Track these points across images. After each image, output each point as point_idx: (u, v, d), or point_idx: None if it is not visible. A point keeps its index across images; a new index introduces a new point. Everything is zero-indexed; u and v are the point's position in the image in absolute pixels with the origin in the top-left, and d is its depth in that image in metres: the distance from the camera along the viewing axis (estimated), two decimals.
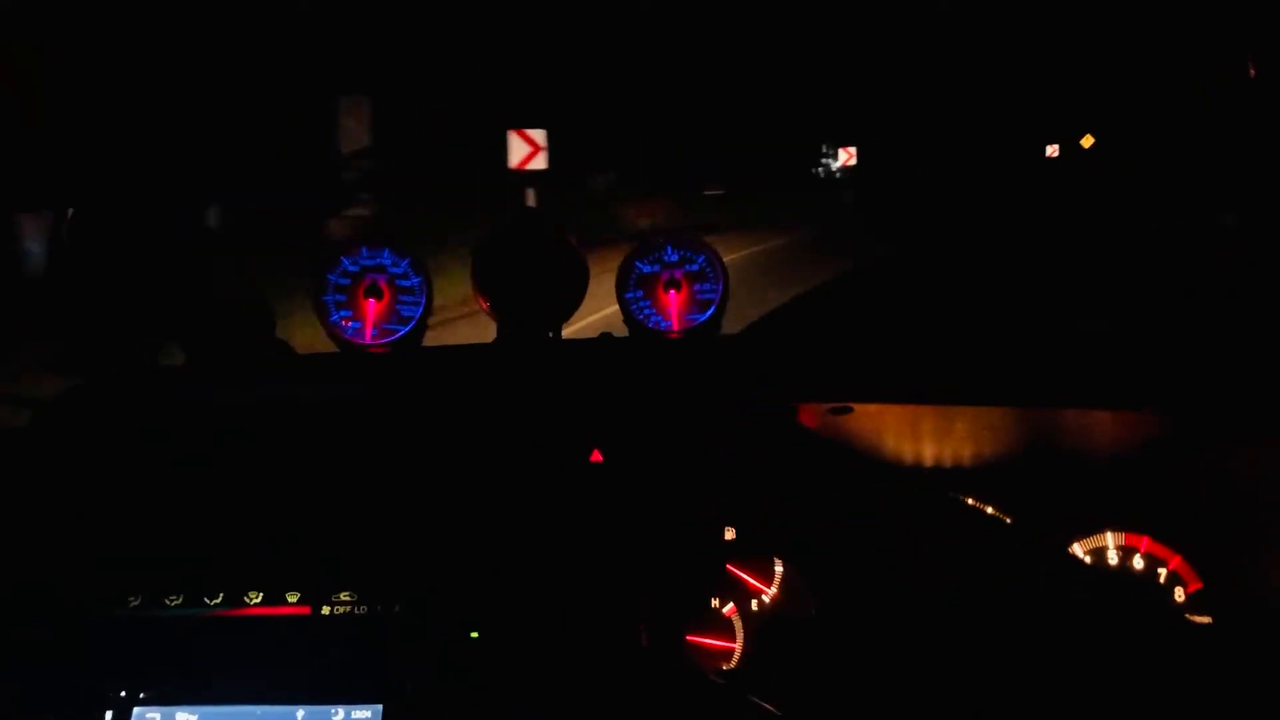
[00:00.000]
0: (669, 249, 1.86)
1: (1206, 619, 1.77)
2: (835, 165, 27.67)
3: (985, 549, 1.51)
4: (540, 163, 12.56)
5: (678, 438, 1.76)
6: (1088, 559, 1.82)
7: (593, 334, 1.93)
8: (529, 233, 1.85)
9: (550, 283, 1.83)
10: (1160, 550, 1.81)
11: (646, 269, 1.86)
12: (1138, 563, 1.82)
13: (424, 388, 1.78)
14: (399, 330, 1.82)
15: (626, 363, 1.83)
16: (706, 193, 20.34)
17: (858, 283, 1.78)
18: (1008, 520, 1.83)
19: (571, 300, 1.84)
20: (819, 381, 1.72)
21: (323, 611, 1.48)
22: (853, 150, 27.05)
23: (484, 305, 1.83)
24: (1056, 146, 25.55)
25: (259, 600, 1.48)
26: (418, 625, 1.47)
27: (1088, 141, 24.91)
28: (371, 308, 1.81)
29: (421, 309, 1.82)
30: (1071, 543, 1.83)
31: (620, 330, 1.92)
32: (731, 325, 1.93)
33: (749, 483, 1.89)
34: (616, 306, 1.89)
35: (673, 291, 1.83)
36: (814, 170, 28.13)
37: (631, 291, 1.85)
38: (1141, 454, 1.82)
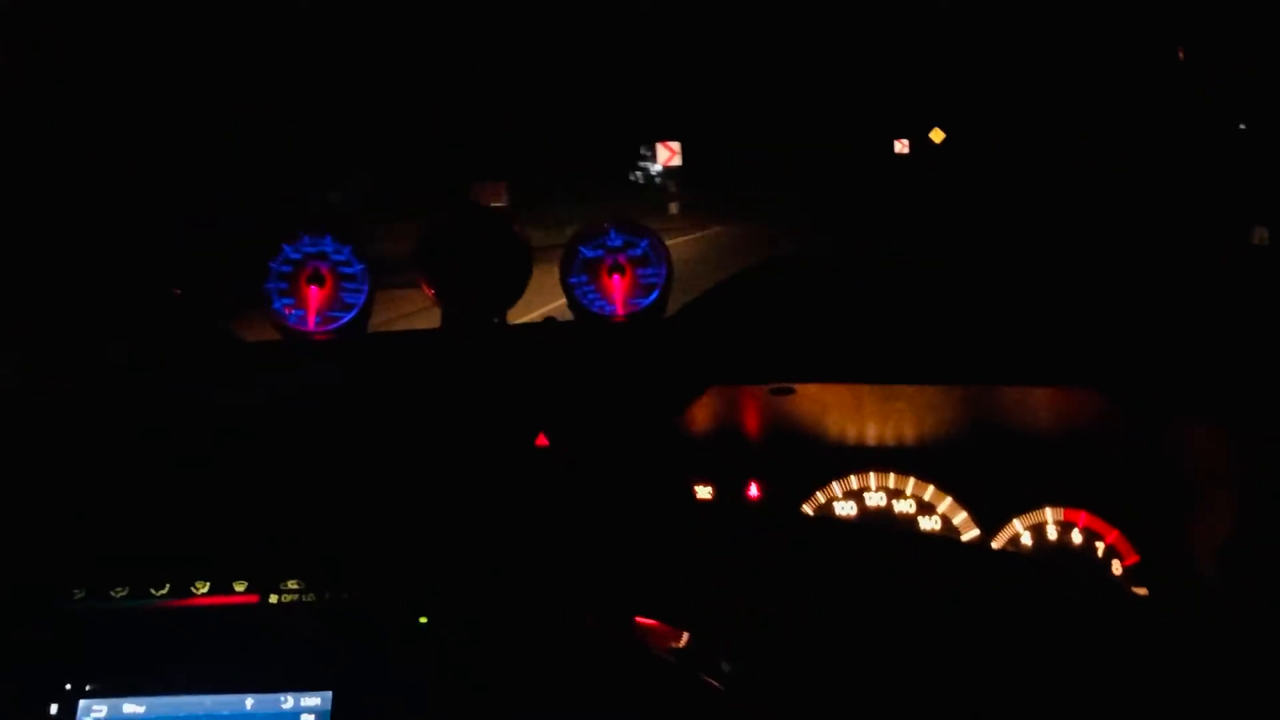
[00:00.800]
0: (612, 233, 1.87)
1: (1143, 591, 1.81)
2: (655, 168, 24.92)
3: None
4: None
5: (622, 420, 1.77)
6: (1028, 535, 1.86)
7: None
8: (471, 219, 1.84)
9: (493, 268, 1.83)
10: (1098, 525, 1.85)
11: (590, 254, 1.86)
12: (1076, 537, 1.85)
13: (368, 374, 1.77)
14: (342, 317, 1.81)
15: (570, 347, 1.83)
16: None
17: (794, 265, 1.79)
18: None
19: (515, 285, 1.84)
20: (759, 362, 1.73)
21: (271, 600, 1.47)
22: (675, 146, 24.02)
23: (429, 292, 1.83)
24: (906, 142, 25.57)
25: (206, 590, 1.46)
26: (367, 612, 1.46)
27: (938, 136, 25.23)
28: (314, 295, 1.80)
29: (365, 296, 1.81)
30: (1011, 518, 1.86)
31: (565, 316, 1.92)
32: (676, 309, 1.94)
33: (694, 469, 1.92)
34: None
35: (616, 276, 1.84)
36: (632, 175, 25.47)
37: (575, 276, 1.85)
38: (1079, 431, 1.85)
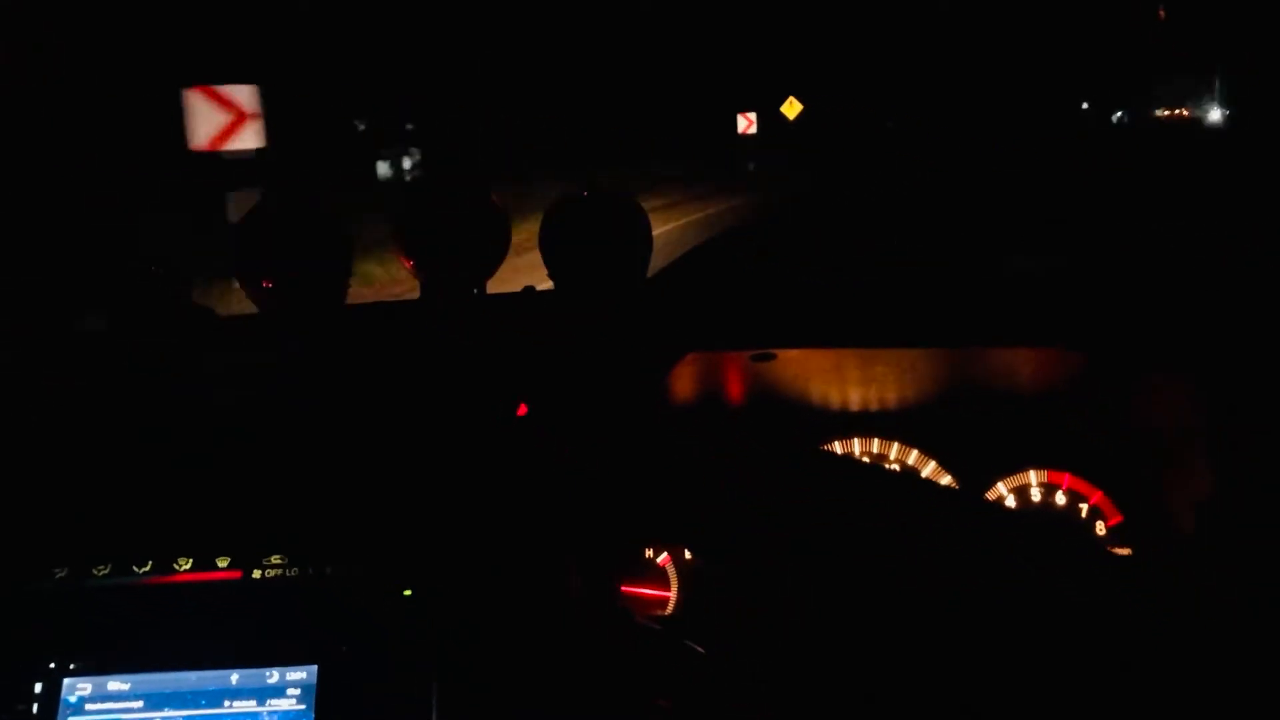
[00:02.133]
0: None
1: (1127, 551, 1.82)
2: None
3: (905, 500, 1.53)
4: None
5: (603, 389, 1.76)
6: (1012, 497, 1.86)
7: None
8: (446, 189, 1.83)
9: (470, 237, 1.81)
10: (1081, 486, 1.86)
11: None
12: (1060, 499, 1.86)
13: (345, 346, 1.76)
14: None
15: (549, 316, 1.82)
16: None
17: (773, 227, 1.77)
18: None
19: (493, 255, 1.82)
20: (737, 328, 1.72)
21: (254, 575, 1.46)
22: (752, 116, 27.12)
23: (407, 264, 1.81)
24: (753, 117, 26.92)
25: (189, 566, 1.46)
26: (350, 585, 1.46)
27: (792, 110, 26.43)
28: None
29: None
30: (995, 482, 1.87)
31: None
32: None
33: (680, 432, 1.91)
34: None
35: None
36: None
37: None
38: (1061, 392, 1.86)
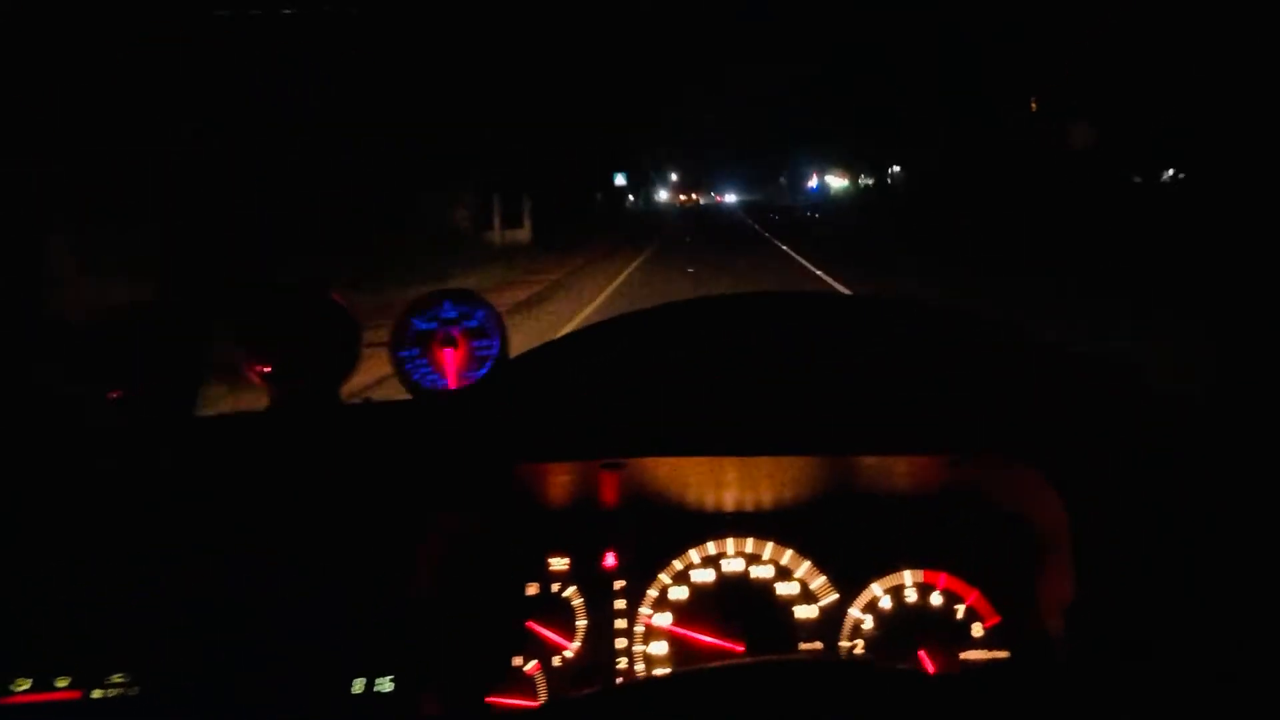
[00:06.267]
0: (447, 305, 1.81)
1: (1005, 653, 1.76)
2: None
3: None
4: None
5: (461, 499, 1.71)
6: (887, 598, 1.80)
7: None
8: (292, 294, 1.79)
9: (320, 344, 1.77)
10: (958, 586, 1.80)
11: (423, 326, 1.80)
12: (936, 599, 1.80)
13: (194, 458, 1.71)
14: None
15: (400, 423, 1.77)
16: None
17: (628, 330, 1.72)
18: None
19: (345, 361, 1.78)
20: (567, 439, 1.67)
21: (94, 695, 1.44)
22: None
23: (253, 374, 1.77)
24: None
25: (27, 688, 1.43)
26: (193, 704, 1.42)
27: None
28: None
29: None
30: (869, 582, 1.81)
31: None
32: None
33: (549, 537, 1.86)
34: None
35: (449, 349, 1.78)
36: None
37: (407, 350, 1.79)
38: (932, 492, 1.81)
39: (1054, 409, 1.65)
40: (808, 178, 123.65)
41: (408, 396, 1.82)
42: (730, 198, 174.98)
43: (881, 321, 1.76)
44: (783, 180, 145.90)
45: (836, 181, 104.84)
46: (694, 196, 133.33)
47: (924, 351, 1.70)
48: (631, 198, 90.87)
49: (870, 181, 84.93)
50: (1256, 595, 1.48)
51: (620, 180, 61.78)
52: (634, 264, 27.54)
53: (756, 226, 53.16)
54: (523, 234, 34.75)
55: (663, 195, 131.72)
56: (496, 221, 33.36)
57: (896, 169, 71.39)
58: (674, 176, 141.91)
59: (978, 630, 1.78)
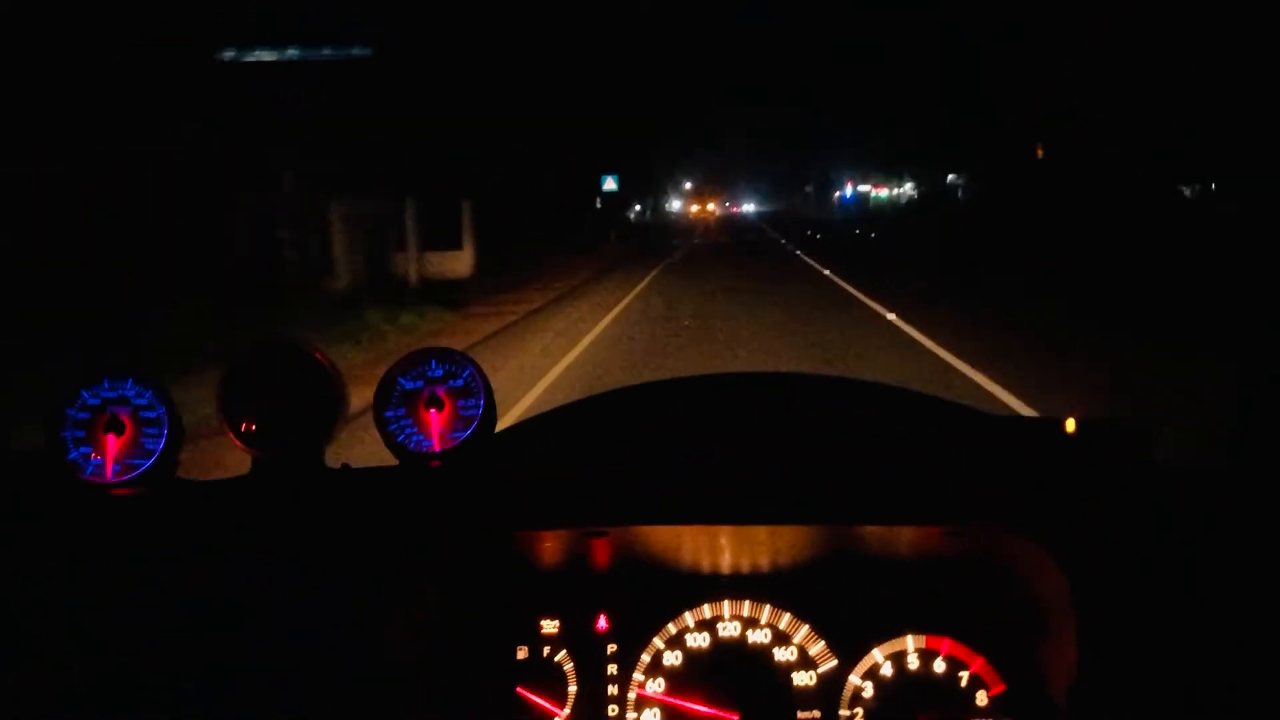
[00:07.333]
0: (433, 364, 1.76)
1: None
2: None
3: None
4: None
5: (449, 563, 1.67)
6: (888, 665, 1.74)
7: None
8: (272, 353, 1.74)
9: (301, 405, 1.71)
10: (962, 652, 1.74)
11: (409, 385, 1.75)
12: (939, 666, 1.74)
13: (171, 527, 1.66)
14: (142, 464, 1.70)
15: (385, 487, 1.73)
16: None
17: (620, 402, 1.68)
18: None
19: (326, 422, 1.73)
20: (555, 508, 1.63)
21: None
22: None
23: (233, 437, 1.71)
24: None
25: None
26: None
27: None
28: (112, 443, 1.69)
29: (164, 442, 1.70)
30: (871, 648, 1.75)
31: None
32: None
33: (540, 599, 1.82)
34: None
35: (433, 410, 1.73)
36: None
37: (392, 409, 1.74)
38: (937, 558, 1.75)
39: (1053, 482, 1.60)
40: (840, 186, 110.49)
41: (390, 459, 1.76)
42: (749, 207, 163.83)
43: (876, 400, 1.71)
44: (809, 189, 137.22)
45: (874, 191, 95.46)
46: (709, 206, 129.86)
47: (919, 426, 1.65)
48: (639, 207, 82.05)
49: (917, 192, 75.63)
50: (1259, 670, 1.43)
51: (611, 185, 49.28)
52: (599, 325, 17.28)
53: (799, 253, 38.68)
54: (459, 262, 22.08)
55: (675, 205, 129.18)
56: (411, 242, 21.49)
57: (952, 176, 63.44)
58: (688, 184, 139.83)
59: (982, 699, 1.72)
